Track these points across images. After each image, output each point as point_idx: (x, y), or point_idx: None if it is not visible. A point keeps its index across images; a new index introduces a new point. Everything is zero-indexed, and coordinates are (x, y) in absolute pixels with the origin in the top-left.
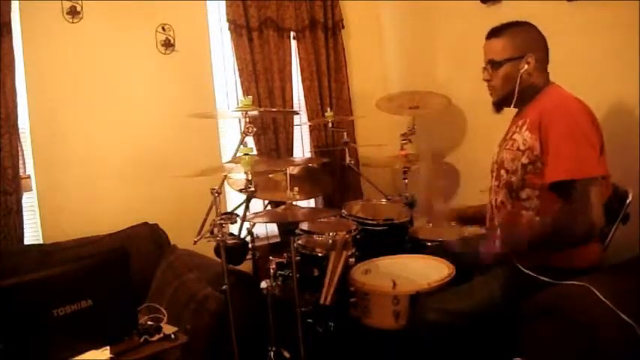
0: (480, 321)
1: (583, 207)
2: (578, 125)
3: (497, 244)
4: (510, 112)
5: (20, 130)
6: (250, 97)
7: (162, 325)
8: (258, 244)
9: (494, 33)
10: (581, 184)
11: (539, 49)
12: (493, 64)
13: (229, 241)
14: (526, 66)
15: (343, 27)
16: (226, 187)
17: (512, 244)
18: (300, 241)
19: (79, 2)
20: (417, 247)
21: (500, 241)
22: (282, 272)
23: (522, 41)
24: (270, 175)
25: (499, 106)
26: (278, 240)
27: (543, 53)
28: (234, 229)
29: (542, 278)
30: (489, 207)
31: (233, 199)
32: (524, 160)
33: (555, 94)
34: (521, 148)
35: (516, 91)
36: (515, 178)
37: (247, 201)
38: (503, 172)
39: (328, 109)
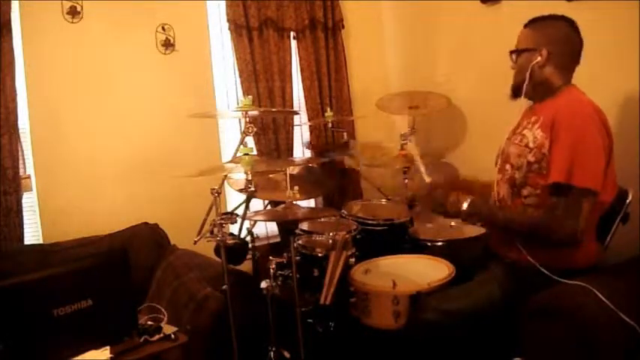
0: (480, 321)
1: (573, 213)
2: (588, 133)
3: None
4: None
5: (20, 130)
6: (250, 97)
7: (162, 325)
8: (258, 244)
9: (527, 23)
10: (577, 192)
11: (559, 45)
12: (514, 52)
13: (229, 241)
14: (539, 58)
15: (343, 27)
16: (226, 187)
17: (501, 221)
18: (300, 241)
19: (79, 2)
20: (417, 247)
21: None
22: (282, 272)
23: (542, 34)
24: (270, 175)
25: (514, 93)
26: (278, 240)
27: (565, 50)
28: (234, 229)
29: (542, 278)
30: (492, 200)
31: (233, 199)
32: (531, 157)
33: (572, 96)
34: (530, 145)
35: (526, 82)
36: (518, 175)
37: (247, 201)
38: (508, 166)
39: (328, 109)
